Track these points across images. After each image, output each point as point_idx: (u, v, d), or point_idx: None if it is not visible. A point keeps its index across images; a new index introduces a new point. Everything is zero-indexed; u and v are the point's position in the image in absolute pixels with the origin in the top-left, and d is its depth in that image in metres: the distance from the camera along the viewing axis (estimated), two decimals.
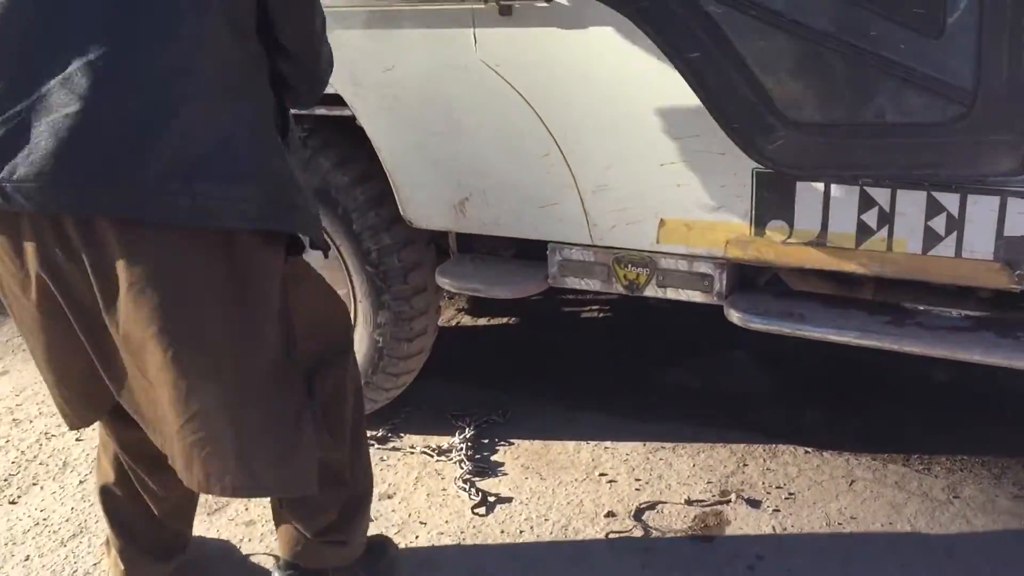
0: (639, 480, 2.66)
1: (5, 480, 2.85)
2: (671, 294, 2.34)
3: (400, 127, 2.47)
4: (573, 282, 2.44)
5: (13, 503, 2.73)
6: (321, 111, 2.59)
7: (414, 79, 2.39)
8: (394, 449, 2.91)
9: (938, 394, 2.98)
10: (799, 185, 2.08)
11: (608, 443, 2.84)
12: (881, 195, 2.00)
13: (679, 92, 2.08)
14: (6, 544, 2.55)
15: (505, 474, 2.75)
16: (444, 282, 2.60)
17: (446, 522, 2.54)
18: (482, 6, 2.20)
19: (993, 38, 1.81)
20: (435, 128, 2.42)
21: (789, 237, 2.13)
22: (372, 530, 2.32)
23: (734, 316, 2.25)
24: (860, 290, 2.30)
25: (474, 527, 2.52)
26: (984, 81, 1.84)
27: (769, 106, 2.00)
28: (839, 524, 2.41)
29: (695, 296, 2.31)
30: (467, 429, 2.93)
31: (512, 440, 2.90)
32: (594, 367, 3.34)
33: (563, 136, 2.28)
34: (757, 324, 2.21)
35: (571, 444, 2.86)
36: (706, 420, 2.90)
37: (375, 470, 2.74)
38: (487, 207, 2.45)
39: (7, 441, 3.06)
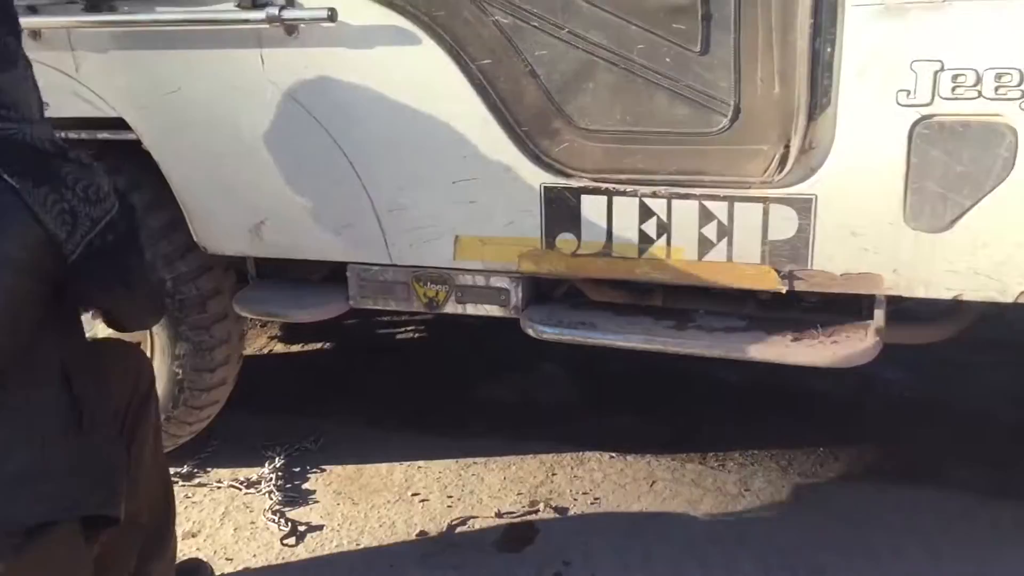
0: (451, 497, 2.67)
1: None
2: (470, 309, 2.37)
3: (189, 151, 2.40)
4: (374, 302, 2.44)
5: None
6: (104, 135, 2.49)
7: (201, 101, 2.34)
8: (200, 485, 2.81)
9: (734, 393, 3.15)
10: (585, 199, 2.15)
11: (421, 463, 2.84)
12: (658, 205, 2.11)
13: (469, 109, 2.14)
14: None
15: (317, 502, 2.70)
16: (241, 309, 2.54)
17: (254, 556, 2.47)
18: (267, 27, 2.17)
19: (748, 56, 1.95)
20: (226, 151, 2.37)
21: (578, 249, 2.20)
22: None
23: (529, 328, 2.30)
24: (651, 298, 2.41)
25: (283, 558, 2.46)
26: (744, 96, 1.98)
27: (554, 112, 2.09)
28: (641, 525, 2.50)
29: (493, 311, 2.36)
30: (277, 459, 2.86)
31: (324, 467, 2.86)
32: (408, 387, 3.35)
33: (357, 157, 2.28)
34: (550, 334, 2.27)
35: (384, 466, 2.84)
36: (517, 433, 2.95)
37: (179, 508, 2.64)
38: (284, 231, 2.41)
39: None
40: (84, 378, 1.74)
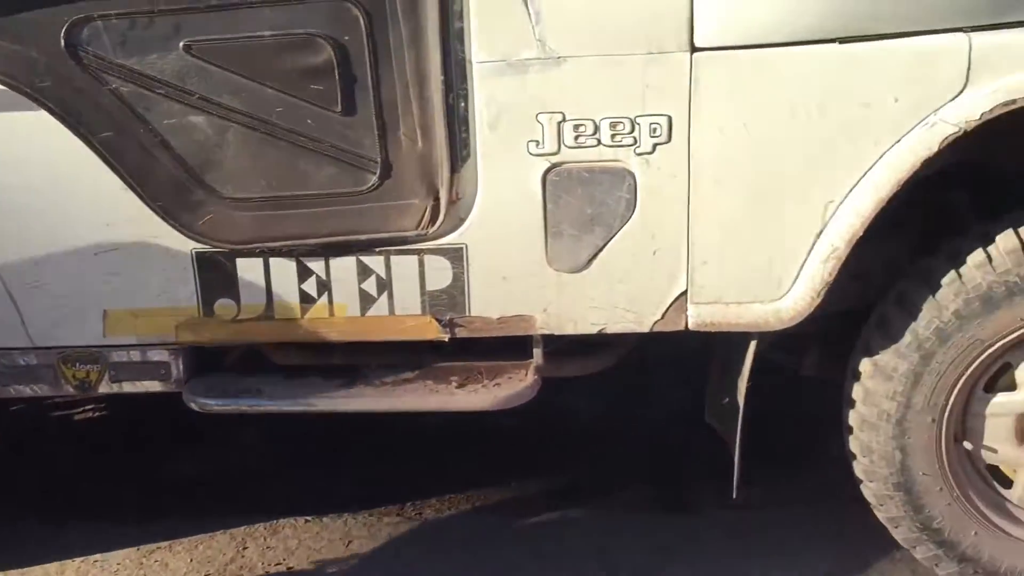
0: None
1: None
2: (128, 387, 2.21)
3: None
4: (19, 391, 2.22)
5: None
6: None
7: None
8: None
9: (428, 440, 3.16)
10: (240, 262, 2.08)
11: (97, 555, 2.61)
12: (316, 264, 2.07)
13: (100, 181, 2.00)
14: None
15: None
16: None
17: None
18: None
19: (390, 114, 1.97)
20: None
21: (238, 314, 2.12)
22: None
23: (192, 402, 2.18)
24: (332, 355, 2.35)
25: None
26: (390, 153, 1.99)
27: (194, 183, 2.00)
28: None
29: (153, 386, 2.21)
30: None
31: None
32: (86, 473, 3.07)
33: None
34: (215, 406, 2.17)
35: (54, 565, 2.58)
36: (205, 510, 2.79)
37: None
38: None
39: None
40: None
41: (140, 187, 1.99)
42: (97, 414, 3.51)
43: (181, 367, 2.19)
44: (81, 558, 2.60)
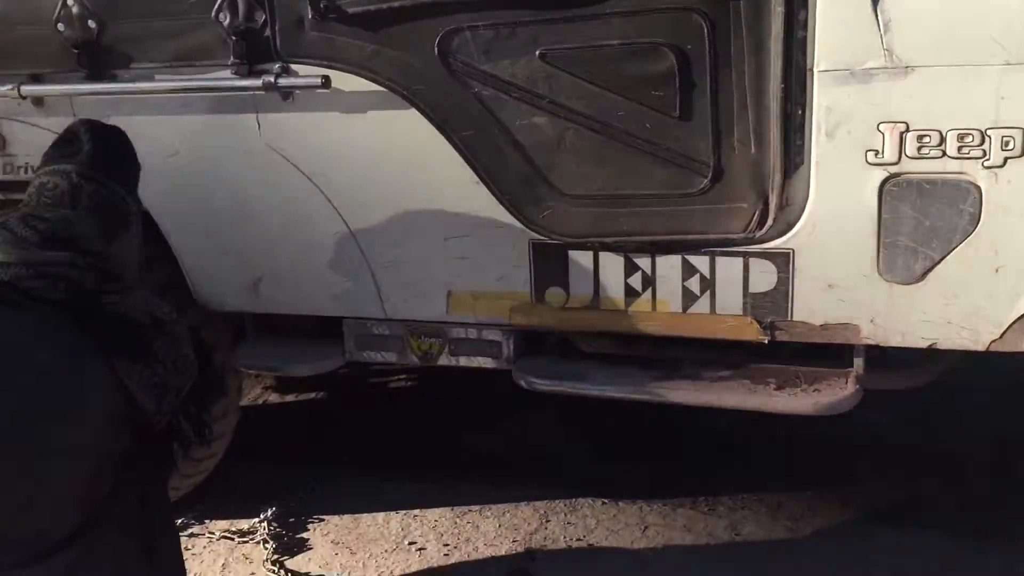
0: (448, 546, 2.72)
1: None
2: (463, 362, 2.44)
3: (187, 211, 2.48)
4: (370, 356, 2.51)
5: None
6: None
7: (200, 164, 2.42)
8: (195, 536, 2.84)
9: (720, 439, 3.20)
10: (572, 254, 2.23)
11: (416, 511, 2.89)
12: (643, 260, 2.18)
13: (457, 173, 2.22)
14: None
15: (315, 550, 2.74)
16: (242, 363, 2.60)
17: None
18: (263, 93, 2.26)
19: (725, 120, 2.04)
20: (224, 211, 2.45)
21: (566, 303, 2.28)
22: None
23: (521, 380, 2.37)
24: (639, 348, 2.47)
25: None
26: (722, 157, 2.06)
27: (538, 179, 2.17)
28: (636, 572, 2.55)
29: (486, 363, 2.42)
30: (270, 509, 2.90)
31: (321, 516, 2.90)
32: (402, 436, 3.39)
33: (351, 215, 2.36)
34: (542, 386, 2.34)
35: (380, 515, 2.88)
36: (510, 480, 3.00)
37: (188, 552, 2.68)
38: (281, 287, 2.49)
39: None
40: (158, 506, 1.89)
41: (492, 181, 2.19)
42: (408, 383, 3.86)
43: (511, 347, 2.39)
44: (402, 511, 2.89)
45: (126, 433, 1.78)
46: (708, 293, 2.15)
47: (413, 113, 2.19)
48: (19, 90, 2.43)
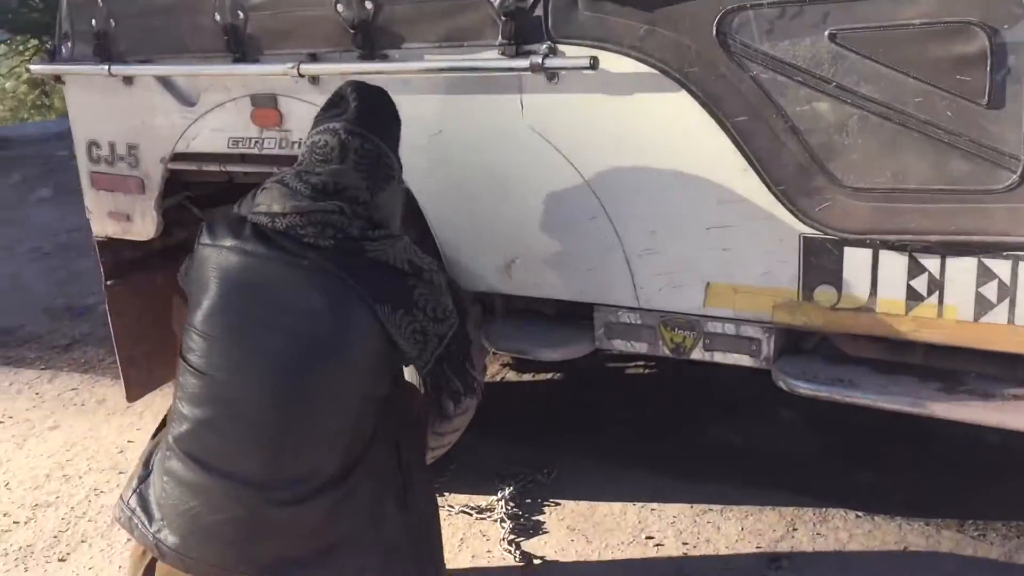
0: (687, 544, 2.63)
1: (55, 537, 2.89)
2: (718, 357, 2.32)
3: (446, 190, 2.51)
4: (620, 345, 2.44)
5: (62, 560, 2.77)
6: None
7: (461, 144, 2.43)
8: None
9: (991, 456, 2.92)
10: (848, 251, 2.07)
11: (654, 504, 2.82)
12: (931, 261, 1.99)
13: (726, 156, 2.10)
14: None
15: (549, 533, 2.73)
16: (490, 343, 2.61)
17: None
18: (529, 73, 2.23)
19: None
20: (482, 191, 2.46)
21: (837, 303, 2.12)
22: None
23: (782, 381, 2.23)
24: (911, 354, 2.27)
25: None
26: None
27: (815, 169, 2.02)
28: None
29: (742, 360, 2.30)
30: (508, 488, 2.92)
31: (558, 500, 2.89)
32: (639, 425, 3.33)
33: (609, 200, 2.30)
34: (805, 390, 2.19)
35: (617, 505, 2.83)
36: (753, 482, 2.87)
37: None
38: (534, 270, 2.47)
39: (57, 497, 3.11)
40: (411, 455, 1.97)
41: (764, 170, 2.06)
42: (647, 370, 3.78)
43: (772, 346, 2.25)
44: (640, 503, 2.83)
45: (387, 379, 1.87)
46: (1007, 301, 1.93)
47: (683, 96, 2.09)
48: (299, 69, 2.53)
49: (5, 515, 3.05)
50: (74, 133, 3.18)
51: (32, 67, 3.14)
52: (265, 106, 2.69)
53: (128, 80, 2.95)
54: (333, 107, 2.05)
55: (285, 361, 1.77)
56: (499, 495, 2.90)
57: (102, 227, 3.19)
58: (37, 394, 3.95)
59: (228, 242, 1.86)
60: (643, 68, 2.12)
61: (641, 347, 2.42)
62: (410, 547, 1.92)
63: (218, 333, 1.81)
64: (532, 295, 2.53)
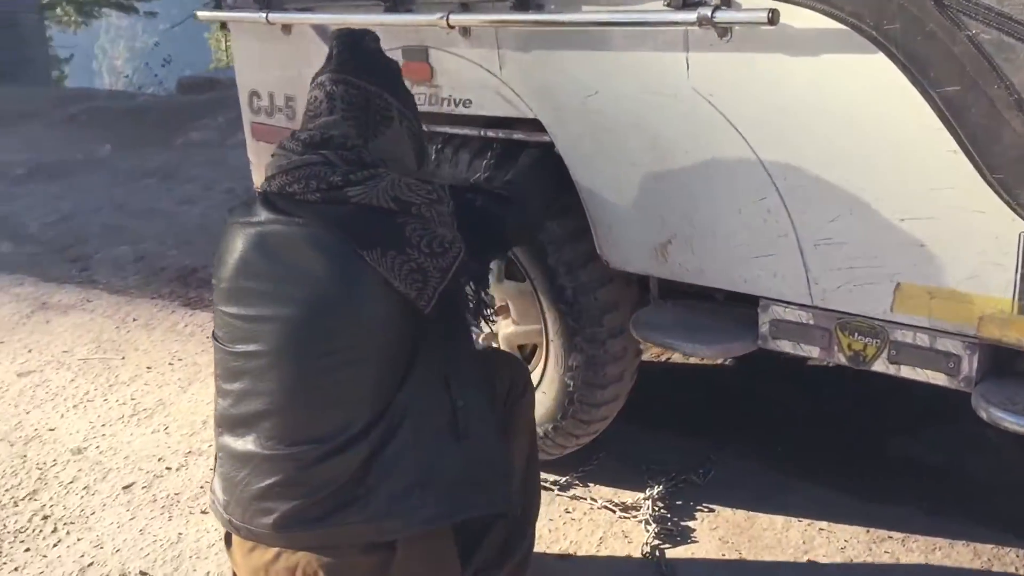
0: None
1: (200, 487, 2.90)
2: (905, 372, 1.95)
3: (600, 158, 2.24)
4: (787, 346, 2.11)
5: (204, 513, 2.77)
6: (519, 136, 2.41)
7: (617, 106, 2.15)
8: (578, 499, 2.68)
9: None
10: None
11: (822, 523, 2.48)
12: None
13: (930, 133, 1.72)
14: (191, 558, 2.57)
15: (697, 543, 2.46)
16: (637, 332, 2.34)
17: None
18: (697, 29, 1.92)
19: None
20: (639, 162, 2.17)
21: None
22: None
23: (983, 410, 1.83)
24: None
25: None
26: None
27: None
28: None
29: (936, 379, 1.92)
30: (658, 487, 2.66)
31: (711, 506, 2.60)
32: (815, 427, 2.96)
33: (783, 179, 1.96)
34: (1011, 424, 1.79)
35: (780, 519, 2.52)
36: (944, 510, 2.46)
37: (559, 523, 2.54)
38: (692, 252, 2.17)
39: (209, 446, 3.12)
40: (465, 388, 1.82)
41: (979, 153, 1.66)
42: (827, 367, 3.37)
43: (974, 365, 1.86)
44: (806, 520, 2.50)
45: (409, 328, 1.73)
46: None
47: (879, 59, 1.72)
48: (447, 19, 2.32)
49: (160, 460, 3.10)
50: (238, 82, 3.13)
51: (200, 13, 3.11)
52: (416, 59, 2.51)
53: (286, 28, 2.85)
54: (324, 62, 1.96)
55: (296, 327, 1.71)
56: (647, 493, 2.65)
57: (261, 179, 3.13)
58: (208, 338, 4.02)
59: (237, 218, 1.83)
60: (832, 24, 1.76)
61: (812, 351, 2.07)
62: (474, 475, 1.79)
63: (234, 309, 1.78)
64: (689, 281, 2.23)
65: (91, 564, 2.61)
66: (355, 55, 1.93)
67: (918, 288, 1.86)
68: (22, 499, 2.94)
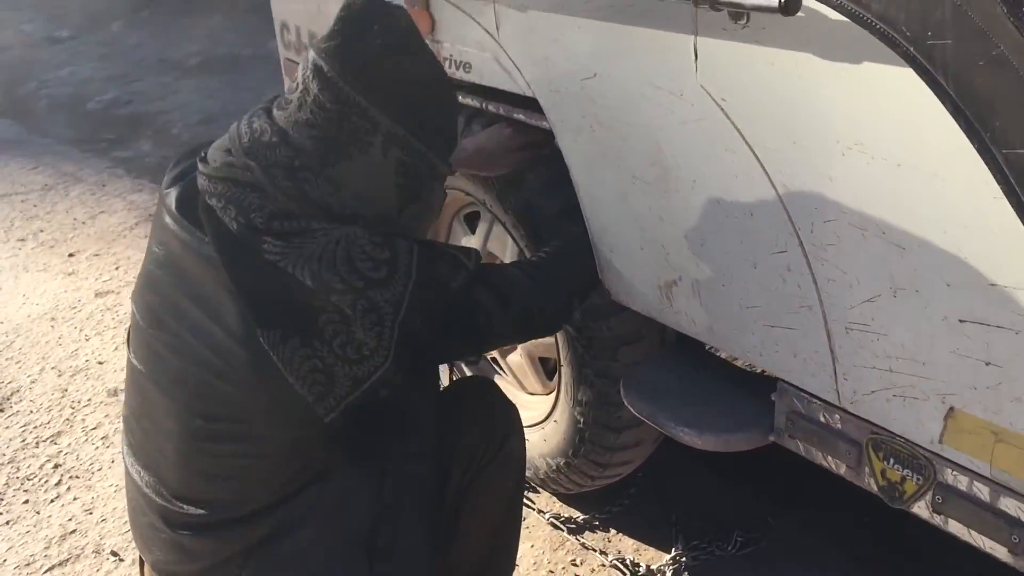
0: None
1: None
2: (952, 527, 1.36)
3: (601, 162, 1.70)
4: (805, 450, 1.54)
5: None
6: (520, 117, 1.90)
7: (618, 98, 1.60)
8: (588, 549, 2.24)
9: None
10: None
11: None
12: None
13: (989, 205, 1.10)
14: None
15: None
16: (625, 395, 1.81)
17: None
18: (706, 8, 1.33)
19: None
20: (641, 175, 1.62)
21: None
22: None
23: None
24: None
25: None
26: None
27: None
28: None
29: (991, 547, 1.31)
30: (678, 552, 2.17)
31: None
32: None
33: (809, 230, 1.37)
34: None
35: None
36: None
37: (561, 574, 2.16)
38: (699, 303, 1.62)
39: None
40: (404, 483, 1.44)
41: None
42: None
43: None
44: None
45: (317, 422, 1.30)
46: None
47: (909, 79, 1.10)
48: None
49: None
50: (272, 10, 2.75)
51: None
52: (416, 6, 2.03)
53: None
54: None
55: (182, 375, 1.34)
56: (672, 555, 2.17)
57: None
58: None
59: (167, 188, 1.42)
60: (856, 28, 1.14)
61: (837, 466, 1.50)
62: None
63: (138, 316, 1.42)
64: (695, 337, 1.68)
65: (73, 531, 2.48)
66: (353, 42, 1.33)
67: (978, 422, 1.25)
68: (44, 440, 2.86)
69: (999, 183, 1.05)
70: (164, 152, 5.24)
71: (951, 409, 1.28)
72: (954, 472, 1.32)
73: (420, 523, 1.48)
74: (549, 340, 2.13)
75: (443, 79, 1.46)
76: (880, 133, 1.19)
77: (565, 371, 2.07)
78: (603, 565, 2.19)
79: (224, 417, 1.33)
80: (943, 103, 1.06)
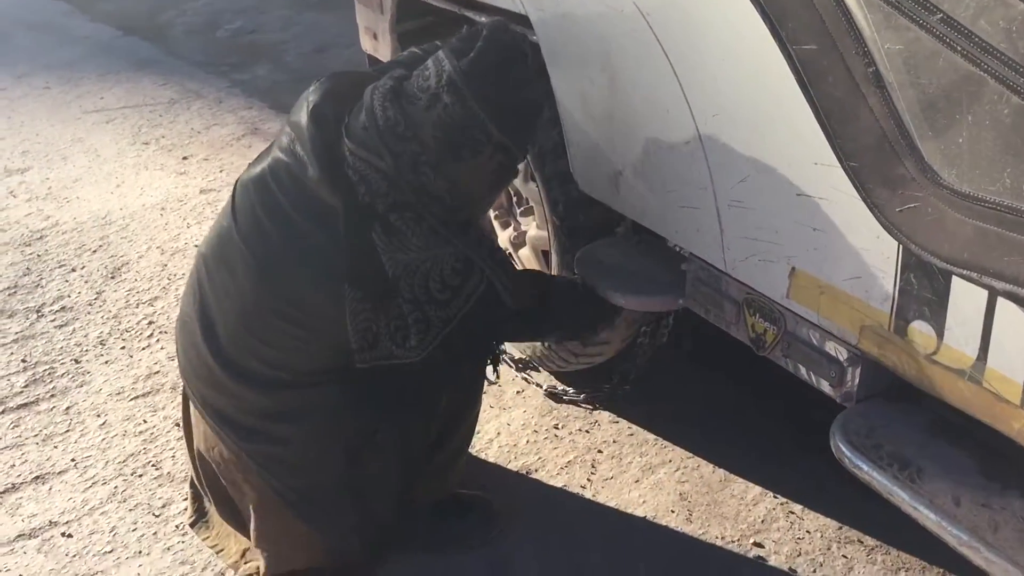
0: None
1: None
2: (791, 368, 1.67)
3: (569, 68, 2.05)
4: (703, 312, 1.87)
5: None
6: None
7: (580, 8, 1.94)
8: (574, 418, 2.60)
9: None
10: (955, 284, 1.29)
11: (797, 507, 2.22)
12: None
13: (798, 109, 1.41)
14: None
15: (662, 493, 2.32)
16: (577, 268, 2.16)
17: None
18: None
19: None
20: (595, 80, 1.96)
21: (934, 352, 1.36)
22: None
23: (833, 441, 1.53)
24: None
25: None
26: None
27: (902, 147, 1.27)
28: None
29: (821, 384, 1.62)
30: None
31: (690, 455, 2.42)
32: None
33: (705, 122, 1.69)
34: (852, 465, 1.47)
35: (755, 491, 2.29)
36: None
37: (539, 437, 2.51)
38: (636, 190, 1.95)
39: None
40: (396, 413, 1.82)
41: (832, 131, 1.34)
42: None
43: (856, 380, 1.55)
44: (782, 499, 2.25)
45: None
46: None
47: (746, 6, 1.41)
48: None
49: None
50: None
51: None
52: None
53: None
54: (461, 43, 1.65)
55: (290, 263, 1.70)
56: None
57: (364, 42, 3.19)
58: None
59: (294, 116, 1.77)
60: None
61: (722, 324, 1.82)
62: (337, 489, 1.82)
63: (256, 189, 1.78)
64: (635, 220, 2.02)
65: (157, 372, 2.98)
66: (491, 74, 1.60)
67: (810, 278, 1.57)
68: (144, 303, 3.38)
69: (793, 75, 1.35)
70: (276, 77, 5.76)
71: (793, 269, 1.59)
72: (798, 322, 1.63)
73: (394, 453, 1.86)
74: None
75: (544, 102, 1.85)
76: (752, 35, 1.50)
77: (554, 258, 2.42)
78: (574, 432, 2.55)
79: (297, 308, 1.70)
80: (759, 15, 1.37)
